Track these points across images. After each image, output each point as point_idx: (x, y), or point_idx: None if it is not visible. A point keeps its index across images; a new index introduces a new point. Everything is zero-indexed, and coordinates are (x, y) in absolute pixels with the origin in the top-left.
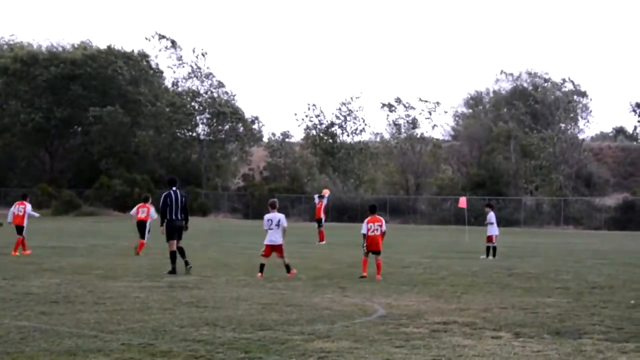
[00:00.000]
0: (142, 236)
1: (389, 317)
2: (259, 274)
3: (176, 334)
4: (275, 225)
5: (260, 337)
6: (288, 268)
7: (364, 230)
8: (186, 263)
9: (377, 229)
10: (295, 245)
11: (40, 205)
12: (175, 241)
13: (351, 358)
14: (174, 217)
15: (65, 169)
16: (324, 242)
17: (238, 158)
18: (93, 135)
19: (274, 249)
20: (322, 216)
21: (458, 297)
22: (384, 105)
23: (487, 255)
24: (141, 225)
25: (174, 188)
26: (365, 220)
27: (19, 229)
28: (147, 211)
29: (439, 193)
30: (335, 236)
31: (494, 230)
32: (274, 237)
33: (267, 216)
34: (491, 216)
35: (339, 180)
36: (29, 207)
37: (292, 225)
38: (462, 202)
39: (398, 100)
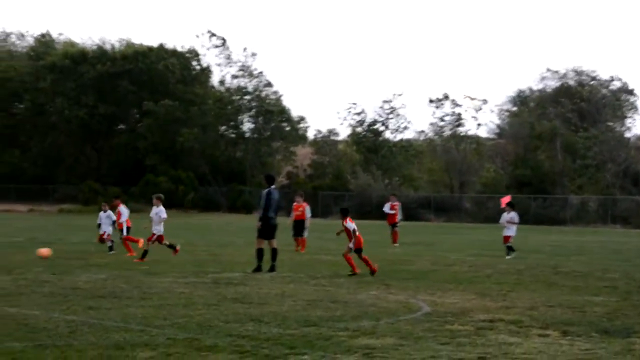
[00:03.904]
0: (300, 234)
1: (433, 315)
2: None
3: (221, 329)
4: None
5: (305, 333)
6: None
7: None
8: (272, 267)
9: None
10: (335, 243)
11: (88, 202)
12: (264, 240)
13: (396, 355)
14: (270, 215)
15: (112, 166)
16: (396, 244)
17: (282, 156)
18: (141, 131)
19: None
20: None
21: (504, 295)
22: (431, 101)
23: (509, 252)
24: (298, 223)
25: (273, 186)
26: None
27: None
28: (302, 210)
29: (483, 191)
30: (377, 234)
31: (512, 230)
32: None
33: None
34: (513, 216)
35: (381, 178)
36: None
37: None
38: (505, 201)
39: (446, 97)
